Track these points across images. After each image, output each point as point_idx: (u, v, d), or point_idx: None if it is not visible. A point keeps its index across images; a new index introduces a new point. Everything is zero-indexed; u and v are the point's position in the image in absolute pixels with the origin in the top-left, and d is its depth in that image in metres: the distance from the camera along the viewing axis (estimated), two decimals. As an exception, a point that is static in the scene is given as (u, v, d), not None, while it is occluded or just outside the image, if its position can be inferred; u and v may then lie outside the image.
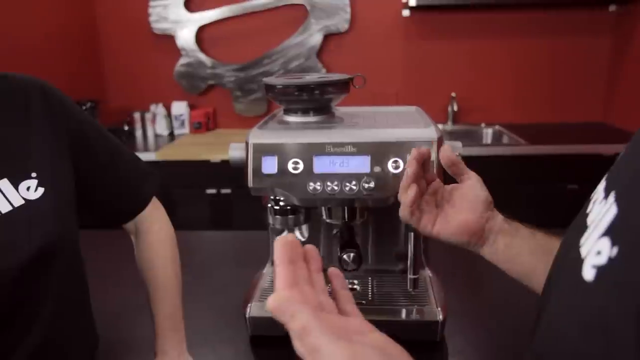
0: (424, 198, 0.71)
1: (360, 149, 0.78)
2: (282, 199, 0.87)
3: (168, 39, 3.00)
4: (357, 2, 2.89)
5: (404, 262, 1.01)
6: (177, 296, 0.88)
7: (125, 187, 0.87)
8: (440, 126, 2.92)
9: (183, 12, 2.95)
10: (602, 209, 0.35)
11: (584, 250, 0.35)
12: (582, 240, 0.35)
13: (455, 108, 2.93)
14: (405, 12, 2.86)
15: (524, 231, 0.69)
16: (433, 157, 0.77)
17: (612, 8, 2.78)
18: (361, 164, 0.78)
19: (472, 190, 0.71)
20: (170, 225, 0.93)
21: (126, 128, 2.97)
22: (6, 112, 0.71)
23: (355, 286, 1.00)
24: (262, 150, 0.80)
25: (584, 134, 2.70)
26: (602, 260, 0.32)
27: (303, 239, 1.04)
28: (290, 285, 0.43)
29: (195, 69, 3.03)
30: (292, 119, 0.90)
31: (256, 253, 1.13)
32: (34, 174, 0.70)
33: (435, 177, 0.74)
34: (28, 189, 0.69)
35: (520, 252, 0.67)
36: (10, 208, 0.67)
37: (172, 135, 3.02)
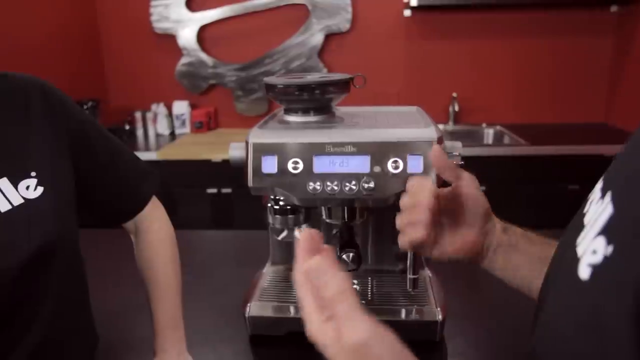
0: None
1: (360, 148, 0.78)
2: (282, 198, 0.87)
3: (169, 39, 3.00)
4: (359, 1, 2.89)
5: (403, 262, 1.01)
6: (177, 295, 0.88)
7: (125, 187, 0.87)
8: (441, 126, 2.91)
9: (184, 12, 2.95)
10: (598, 209, 0.35)
11: (580, 250, 0.35)
12: (579, 240, 0.36)
13: (457, 108, 2.93)
14: (407, 12, 2.86)
15: (522, 243, 0.67)
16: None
17: (614, 8, 2.78)
18: (361, 164, 0.77)
19: (470, 201, 0.67)
20: (170, 224, 0.94)
21: (127, 127, 2.98)
22: (6, 111, 0.71)
23: (355, 286, 1.00)
24: (262, 150, 0.80)
25: (585, 134, 2.70)
26: (598, 259, 0.32)
27: (303, 239, 1.04)
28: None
29: (196, 69, 3.03)
30: (292, 118, 0.90)
31: (257, 252, 1.13)
32: (33, 173, 0.70)
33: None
34: (27, 188, 0.69)
35: (519, 265, 0.66)
36: (10, 207, 0.67)
37: (173, 135, 3.02)
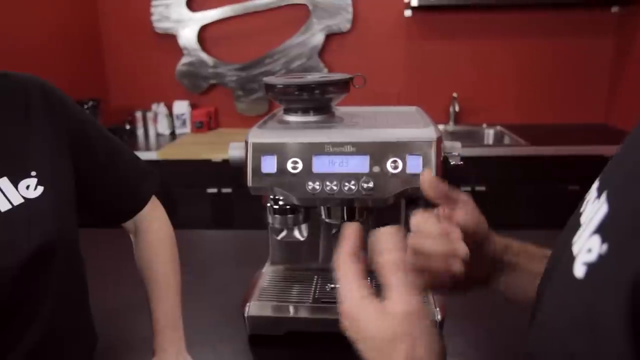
0: None
1: (360, 148, 0.78)
2: (281, 198, 0.87)
3: (170, 38, 3.01)
4: (359, 2, 2.89)
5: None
6: (176, 295, 0.89)
7: (125, 187, 0.87)
8: (441, 126, 2.90)
9: (185, 12, 2.95)
10: (594, 208, 0.35)
11: (575, 248, 0.35)
12: (575, 239, 0.36)
13: (457, 108, 2.93)
14: (407, 12, 2.86)
15: (522, 261, 0.63)
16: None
17: (615, 9, 2.78)
18: (360, 164, 0.77)
19: (471, 225, 0.59)
20: (170, 224, 0.94)
21: (128, 127, 2.98)
22: (6, 111, 0.71)
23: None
24: (262, 150, 0.80)
25: (585, 135, 2.70)
26: (592, 257, 0.32)
27: (302, 239, 1.05)
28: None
29: (197, 68, 3.03)
30: (292, 118, 0.90)
31: (257, 252, 1.13)
32: (33, 173, 0.70)
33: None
34: (27, 187, 0.69)
35: (521, 285, 0.63)
36: (10, 207, 0.67)
37: (173, 135, 3.02)
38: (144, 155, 2.52)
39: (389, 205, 0.81)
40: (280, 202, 0.89)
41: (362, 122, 0.88)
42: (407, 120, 0.92)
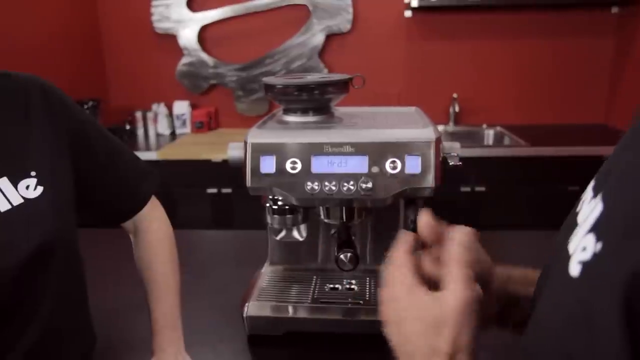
0: None
1: (358, 149, 0.78)
2: (280, 198, 0.87)
3: (170, 39, 3.01)
4: (360, 2, 2.89)
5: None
6: (175, 295, 0.89)
7: (124, 187, 0.88)
8: (441, 127, 2.90)
9: (185, 12, 2.95)
10: (590, 208, 0.35)
11: (571, 247, 0.35)
12: (570, 238, 0.36)
13: (457, 109, 2.93)
14: (408, 13, 2.86)
15: (522, 291, 0.60)
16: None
17: (615, 9, 2.78)
18: (359, 164, 0.78)
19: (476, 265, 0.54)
20: (169, 224, 0.94)
21: (128, 127, 2.98)
22: (6, 111, 0.71)
23: (353, 286, 1.00)
24: (261, 150, 0.80)
25: (585, 135, 2.70)
26: (587, 256, 0.32)
27: (301, 239, 1.05)
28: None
29: (197, 69, 3.03)
30: (291, 118, 0.90)
31: (256, 252, 1.13)
32: (33, 173, 0.70)
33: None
34: (27, 187, 0.69)
35: (520, 316, 0.59)
36: (10, 207, 0.67)
37: (173, 135, 3.02)
38: (144, 155, 2.52)
39: (387, 206, 0.81)
40: (279, 203, 0.89)
41: (361, 122, 0.88)
42: (406, 121, 0.92)
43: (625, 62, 2.75)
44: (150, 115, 2.99)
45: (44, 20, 2.57)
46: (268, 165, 0.79)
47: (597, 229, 0.33)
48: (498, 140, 2.86)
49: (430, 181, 0.78)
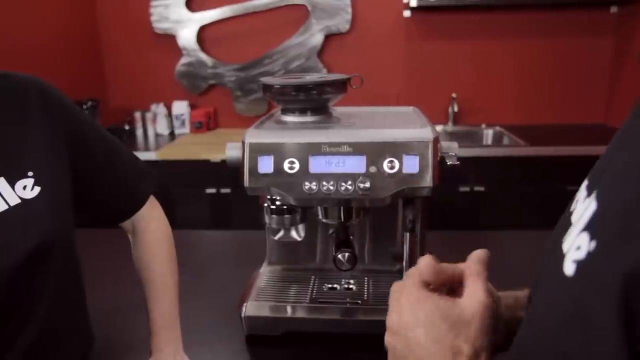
0: None
1: (356, 149, 0.78)
2: (278, 198, 0.87)
3: (169, 39, 3.01)
4: (358, 2, 2.89)
5: (400, 262, 1.01)
6: (174, 295, 0.89)
7: (123, 187, 0.87)
8: (440, 127, 2.89)
9: (184, 12, 2.95)
10: (583, 206, 0.35)
11: (565, 246, 0.35)
12: (565, 237, 0.36)
13: (456, 109, 2.93)
14: (406, 13, 2.86)
15: (521, 314, 0.58)
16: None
17: (614, 9, 2.78)
18: (357, 164, 0.78)
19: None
20: (167, 224, 0.94)
21: (127, 127, 2.98)
22: (4, 111, 0.71)
23: (351, 286, 1.00)
24: (258, 150, 0.80)
25: (584, 135, 2.70)
26: (582, 254, 0.32)
27: (299, 239, 1.05)
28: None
29: (196, 69, 3.03)
30: (289, 118, 0.90)
31: (255, 252, 1.13)
32: (30, 173, 0.70)
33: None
34: (24, 188, 0.69)
35: None
36: (7, 207, 0.67)
37: (172, 135, 3.02)
38: (143, 155, 2.52)
39: (385, 205, 0.81)
40: (277, 203, 0.89)
41: (359, 122, 0.88)
42: (404, 121, 0.92)
43: (625, 62, 2.75)
44: (149, 115, 2.99)
45: (43, 21, 2.57)
46: (266, 165, 0.79)
47: (591, 227, 0.33)
48: (497, 140, 2.86)
49: (428, 181, 0.78)
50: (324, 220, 0.93)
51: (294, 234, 1.04)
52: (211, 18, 2.96)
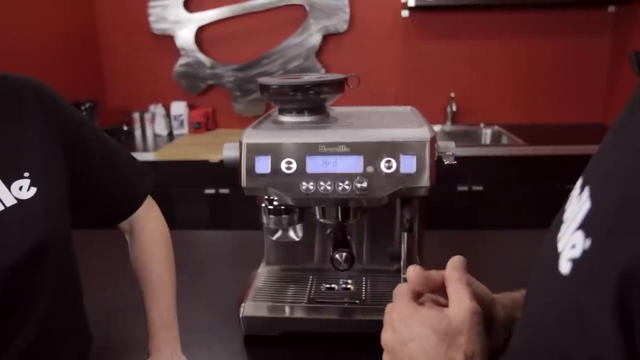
0: None
1: (353, 148, 0.78)
2: (275, 198, 0.87)
3: (167, 39, 3.00)
4: (356, 2, 2.89)
5: (398, 262, 1.01)
6: (171, 295, 0.89)
7: (121, 188, 0.87)
8: (439, 126, 2.89)
9: (182, 13, 2.95)
10: (578, 205, 0.35)
11: (560, 245, 0.35)
12: (559, 236, 0.36)
13: (454, 108, 2.93)
14: (405, 13, 2.86)
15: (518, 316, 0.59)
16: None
17: (612, 8, 2.78)
18: (354, 164, 0.78)
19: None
20: (165, 224, 0.94)
21: (125, 128, 2.98)
22: (0, 111, 0.71)
23: (349, 286, 1.00)
24: (256, 150, 0.80)
25: (583, 134, 2.70)
26: (577, 253, 0.32)
27: (297, 239, 1.05)
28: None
29: (194, 69, 3.03)
30: (286, 118, 0.90)
31: (253, 253, 1.13)
32: (26, 174, 0.70)
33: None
34: (20, 188, 0.69)
35: None
36: (2, 208, 0.67)
37: (171, 135, 3.02)
38: (141, 156, 2.52)
39: (383, 205, 0.81)
40: (275, 203, 0.89)
41: (356, 122, 0.88)
42: (402, 120, 0.92)
43: (623, 61, 2.75)
44: (147, 116, 2.99)
45: (42, 22, 2.57)
46: (263, 165, 0.79)
47: (586, 225, 0.33)
48: (495, 139, 2.86)
49: (425, 180, 0.78)
50: (321, 220, 0.93)
51: (291, 234, 1.04)
52: (209, 18, 2.96)
